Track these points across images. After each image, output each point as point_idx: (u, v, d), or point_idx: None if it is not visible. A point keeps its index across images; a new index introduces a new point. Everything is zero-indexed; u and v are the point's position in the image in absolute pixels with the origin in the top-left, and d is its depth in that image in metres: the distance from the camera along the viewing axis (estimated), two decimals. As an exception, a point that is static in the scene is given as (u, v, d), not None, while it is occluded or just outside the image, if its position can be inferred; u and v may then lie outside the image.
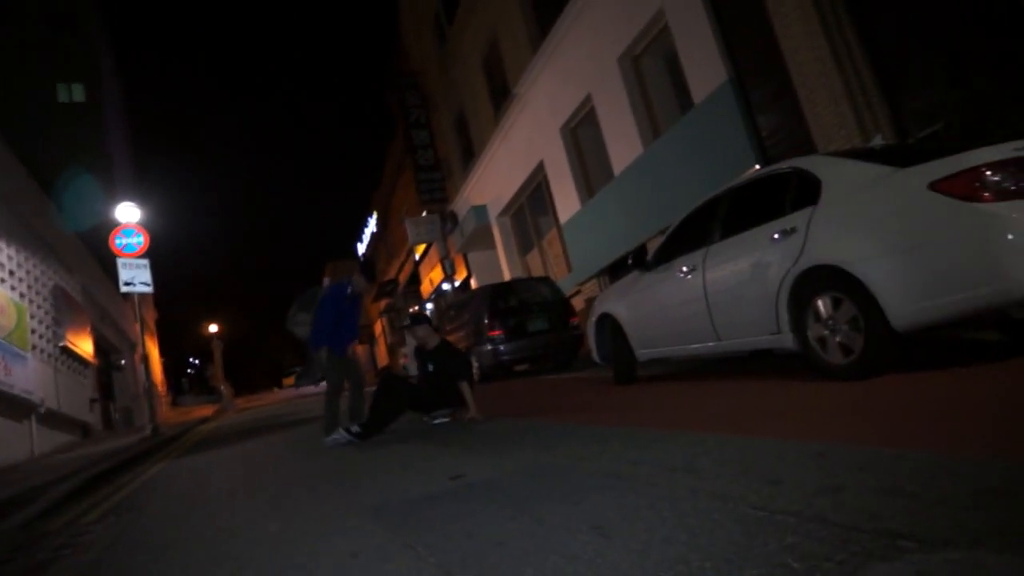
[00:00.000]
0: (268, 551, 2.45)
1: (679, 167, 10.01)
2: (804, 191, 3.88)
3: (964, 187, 3.03)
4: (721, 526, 1.72)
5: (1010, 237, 2.92)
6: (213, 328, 43.20)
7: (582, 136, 14.03)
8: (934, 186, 3.13)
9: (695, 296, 4.78)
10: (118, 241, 12.18)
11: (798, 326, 3.84)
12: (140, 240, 12.45)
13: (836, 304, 3.59)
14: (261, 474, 4.90)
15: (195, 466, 6.59)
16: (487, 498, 2.56)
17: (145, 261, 12.48)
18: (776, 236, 3.95)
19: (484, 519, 2.25)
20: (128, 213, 12.61)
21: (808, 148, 7.23)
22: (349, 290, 6.14)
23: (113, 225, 12.58)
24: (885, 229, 3.38)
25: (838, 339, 3.59)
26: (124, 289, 12.27)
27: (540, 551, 1.81)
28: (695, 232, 5.02)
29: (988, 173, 3.00)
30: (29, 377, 12.51)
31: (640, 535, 1.78)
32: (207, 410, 25.07)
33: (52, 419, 13.69)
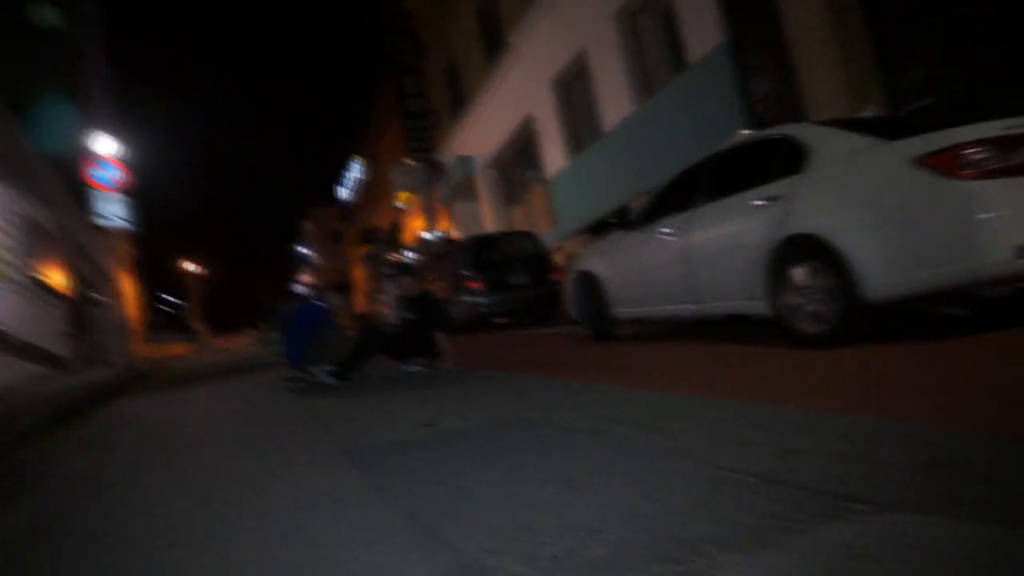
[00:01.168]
0: (240, 489, 2.47)
1: (669, 128, 9.94)
2: (791, 159, 3.87)
3: (945, 164, 3.05)
4: (684, 483, 1.76)
5: (985, 216, 2.96)
6: (191, 267, 42.78)
7: (574, 91, 13.85)
8: (917, 161, 3.15)
9: (676, 258, 4.81)
10: (94, 173, 11.92)
11: (774, 293, 3.89)
12: (117, 174, 12.19)
13: (813, 274, 3.62)
14: (233, 415, 4.93)
15: (169, 404, 6.60)
16: (458, 447, 2.59)
17: (123, 196, 12.25)
18: (759, 203, 3.96)
19: (454, 467, 2.29)
20: (105, 145, 12.31)
21: (799, 116, 7.20)
22: (322, 310, 6.11)
23: (90, 156, 12.29)
24: (867, 201, 3.40)
25: (811, 308, 3.64)
26: (99, 222, 12.07)
27: (507, 500, 1.85)
28: (680, 194, 5.01)
29: (969, 151, 3.02)
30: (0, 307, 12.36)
31: (606, 489, 1.82)
32: (183, 349, 25.02)
33: (25, 350, 13.58)
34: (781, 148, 4.03)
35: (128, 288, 31.15)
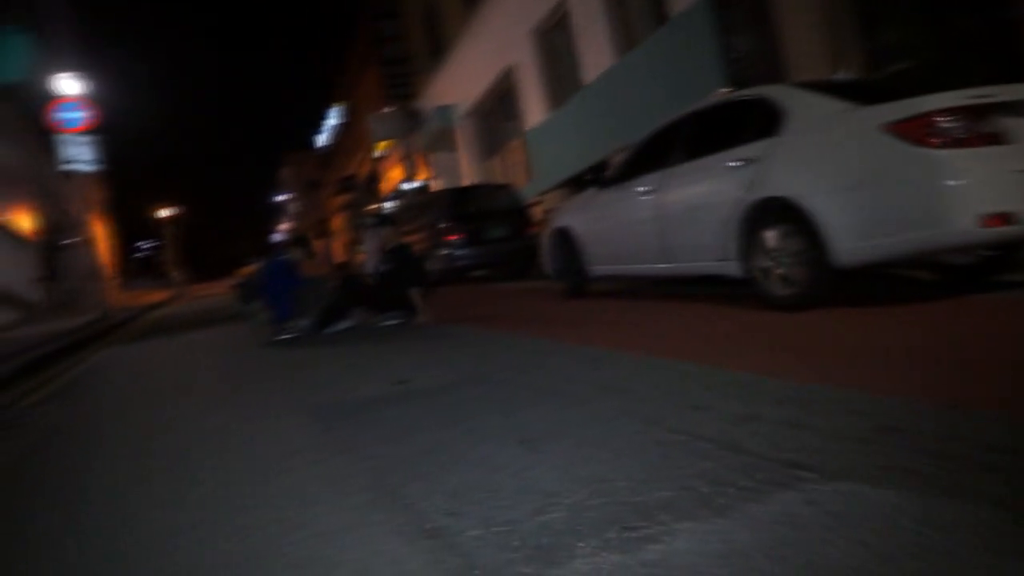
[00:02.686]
0: (202, 447, 2.49)
1: (649, 83, 9.81)
2: (767, 121, 3.86)
3: (915, 131, 3.07)
4: (642, 448, 1.81)
5: (952, 184, 2.99)
6: (166, 212, 41.99)
7: (555, 42, 13.56)
8: (887, 127, 3.16)
9: (650, 216, 4.82)
10: (59, 116, 11.54)
11: (746, 255, 3.92)
12: (84, 114, 11.81)
13: (784, 237, 3.65)
14: (207, 366, 4.92)
15: (141, 354, 6.56)
16: (426, 405, 2.63)
17: (89, 137, 11.89)
18: (734, 164, 3.96)
19: (421, 426, 2.32)
20: (70, 85, 11.88)
21: (778, 76, 7.15)
22: (287, 264, 6.08)
23: (53, 97, 11.88)
24: (839, 166, 3.42)
25: (781, 271, 3.69)
26: (64, 167, 11.74)
27: (468, 461, 1.89)
28: (656, 153, 4.99)
29: (938, 119, 3.03)
30: (-34, 252, 12.09)
31: (565, 452, 1.86)
32: (159, 295, 24.72)
33: (-7, 296, 13.34)
34: (757, 109, 4.01)
35: (101, 233, 30.52)
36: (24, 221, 16.27)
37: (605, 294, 6.15)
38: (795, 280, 3.65)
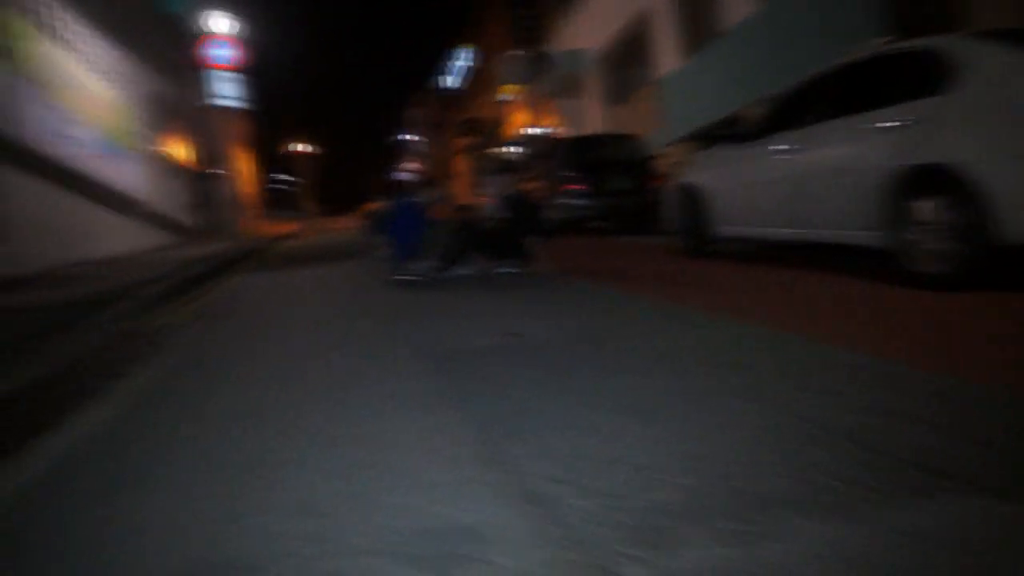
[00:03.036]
0: (318, 381, 2.61)
1: (796, 30, 9.06)
2: (932, 77, 3.44)
3: None
4: (761, 431, 1.70)
5: None
6: (302, 148, 44.18)
7: (694, -17, 12.79)
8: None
9: (786, 177, 4.50)
10: (210, 52, 12.23)
11: (892, 226, 3.58)
12: (232, 53, 12.45)
13: (939, 208, 3.29)
14: (330, 302, 5.16)
15: (274, 282, 6.99)
16: (535, 361, 2.61)
17: (237, 75, 12.55)
18: (888, 125, 3.58)
19: (526, 381, 2.31)
20: (220, 24, 12.53)
21: (950, 23, 6.37)
22: (417, 206, 6.11)
23: (208, 34, 12.58)
24: (1020, 131, 3.00)
25: (934, 246, 3.33)
26: (215, 101, 12.49)
27: (574, 425, 1.85)
28: (798, 109, 4.62)
29: None
30: (131, 177, 13.26)
31: (678, 426, 1.78)
32: (294, 226, 26.25)
33: (153, 219, 14.65)
34: (921, 63, 3.57)
35: (244, 165, 32.60)
36: (178, 151, 17.62)
37: (728, 256, 5.87)
38: (948, 257, 3.29)
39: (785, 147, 4.51)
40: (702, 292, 4.10)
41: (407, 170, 57.91)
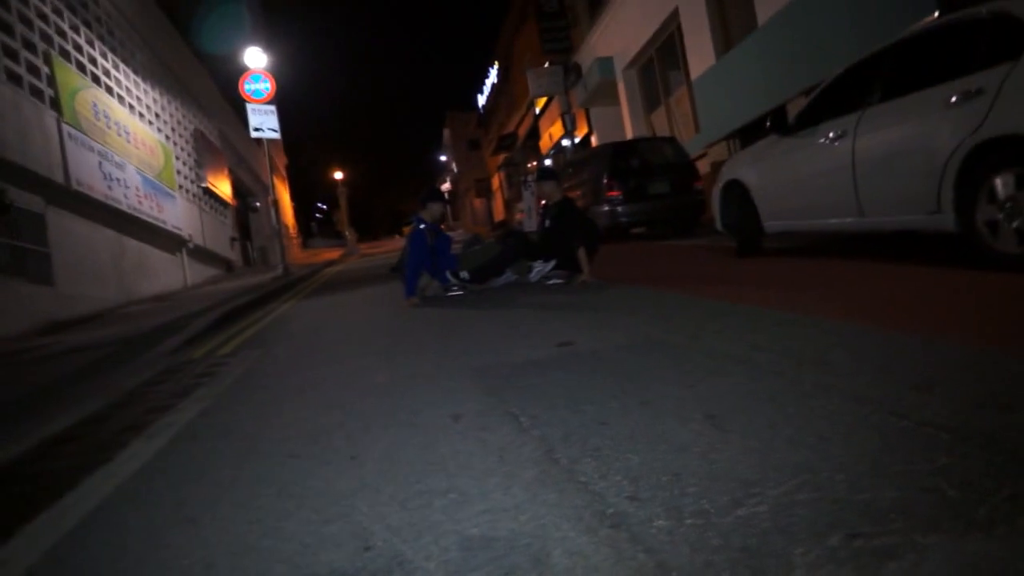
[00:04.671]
0: (375, 404, 2.51)
1: (836, 17, 8.78)
2: (1004, 43, 3.19)
3: None
4: (856, 433, 1.53)
5: None
6: (339, 175, 44.99)
7: (724, -22, 12.58)
8: None
9: (841, 165, 4.28)
10: (247, 87, 12.49)
11: (964, 206, 3.34)
12: (267, 86, 12.70)
13: (1020, 183, 3.05)
14: (376, 323, 5.09)
15: (318, 309, 6.99)
16: (593, 370, 2.47)
17: (272, 107, 12.78)
18: (954, 99, 3.35)
19: (589, 393, 2.17)
20: (255, 58, 12.80)
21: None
22: (422, 226, 5.94)
23: (243, 70, 12.86)
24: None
25: (1015, 224, 3.09)
26: (254, 135, 12.73)
27: (646, 437, 1.71)
28: (849, 93, 4.40)
29: None
30: (178, 215, 13.59)
31: (760, 432, 1.62)
32: (333, 253, 26.62)
33: (200, 254, 14.98)
34: (990, 30, 3.34)
35: (283, 196, 33.19)
36: (223, 186, 18.04)
37: (781, 252, 5.63)
38: (1031, 235, 3.05)
39: (837, 133, 4.30)
40: (758, 289, 3.90)
41: (444, 189, 58.42)
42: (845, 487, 1.28)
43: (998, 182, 3.13)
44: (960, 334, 2.22)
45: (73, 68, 9.87)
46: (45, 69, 8.91)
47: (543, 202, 5.95)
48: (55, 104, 8.98)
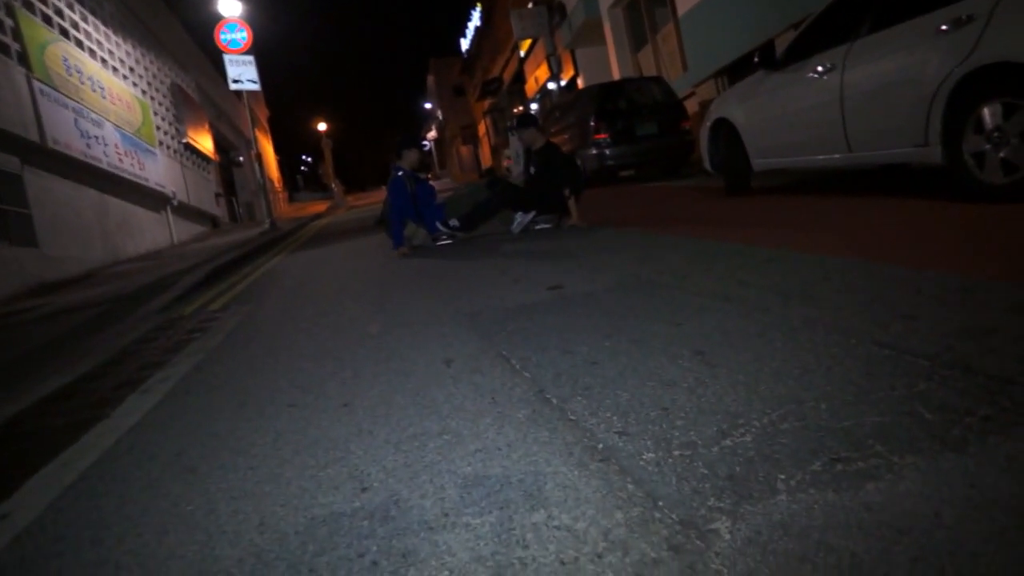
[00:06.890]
0: (368, 352, 2.53)
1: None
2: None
3: None
4: (840, 363, 1.56)
5: None
6: (323, 127, 44.24)
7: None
8: None
9: (829, 100, 4.23)
10: (223, 37, 12.12)
11: (951, 138, 3.33)
12: (244, 35, 12.33)
13: (1008, 112, 3.04)
14: (366, 273, 5.09)
15: (308, 262, 6.96)
16: (584, 312, 2.49)
17: (250, 58, 12.45)
18: (944, 27, 3.30)
19: (580, 334, 2.20)
20: (229, 6, 12.39)
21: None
22: (400, 173, 5.85)
23: (218, 19, 12.46)
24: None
25: (1002, 154, 3.09)
26: (233, 87, 12.43)
27: (636, 374, 1.74)
28: (837, 25, 4.32)
29: None
30: (160, 172, 13.38)
31: (747, 366, 1.65)
32: (320, 206, 26.35)
33: (185, 212, 14.81)
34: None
35: (267, 150, 32.65)
36: (205, 141, 17.72)
37: (770, 190, 5.63)
38: (1018, 165, 3.05)
39: (826, 67, 4.24)
40: (746, 228, 3.91)
41: (429, 138, 57.59)
42: (828, 415, 1.31)
43: (986, 112, 3.11)
44: (946, 265, 2.25)
45: (39, 20, 9.54)
46: (9, 22, 8.61)
47: (530, 146, 5.88)
48: (23, 59, 8.70)
